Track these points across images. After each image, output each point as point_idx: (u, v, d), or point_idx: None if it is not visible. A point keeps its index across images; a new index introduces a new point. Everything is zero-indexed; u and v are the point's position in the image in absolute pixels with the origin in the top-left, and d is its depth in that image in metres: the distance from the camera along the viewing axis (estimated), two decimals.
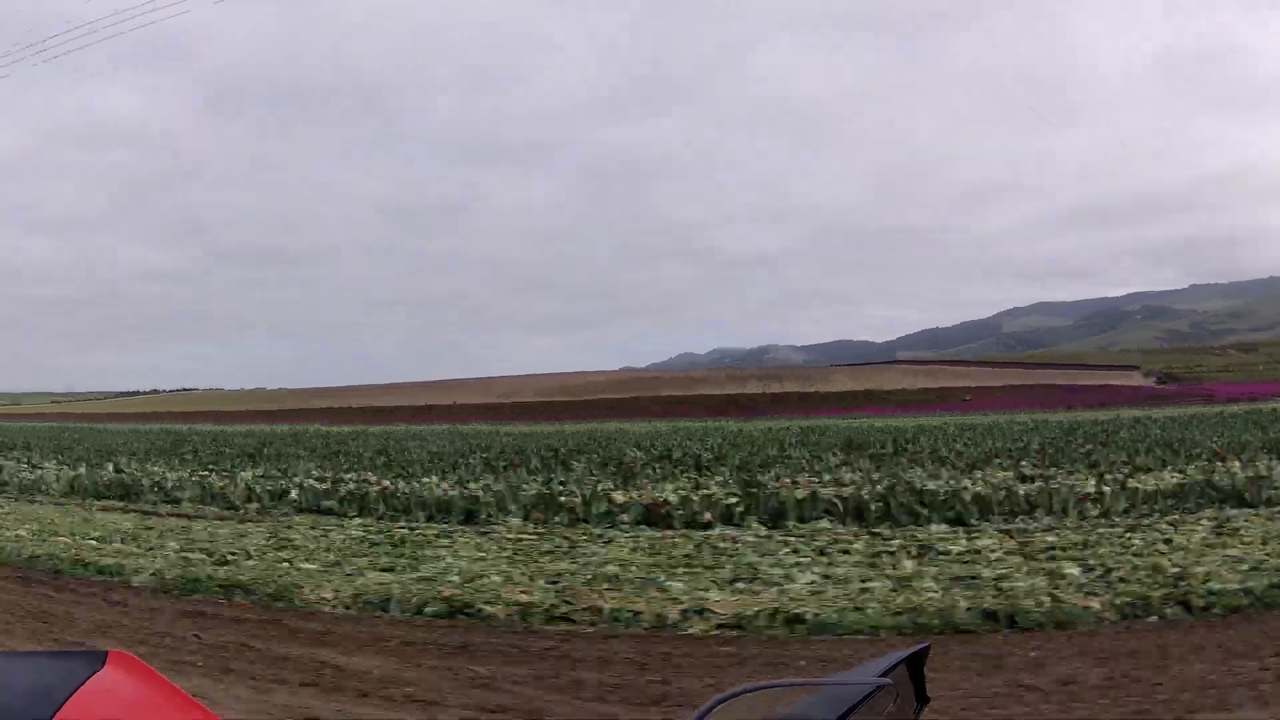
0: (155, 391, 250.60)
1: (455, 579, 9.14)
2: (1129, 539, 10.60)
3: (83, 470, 23.29)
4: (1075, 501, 13.17)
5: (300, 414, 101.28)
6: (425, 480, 19.30)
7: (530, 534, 12.46)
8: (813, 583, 8.66)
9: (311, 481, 19.40)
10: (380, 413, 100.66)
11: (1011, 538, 10.99)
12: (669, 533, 12.11)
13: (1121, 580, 8.27)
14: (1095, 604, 7.46)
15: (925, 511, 12.91)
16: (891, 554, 10.15)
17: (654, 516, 13.02)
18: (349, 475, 21.20)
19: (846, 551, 10.38)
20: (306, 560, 10.48)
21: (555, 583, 8.87)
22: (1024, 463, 20.79)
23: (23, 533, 12.76)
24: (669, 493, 15.89)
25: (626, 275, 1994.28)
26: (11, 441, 40.18)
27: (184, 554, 10.91)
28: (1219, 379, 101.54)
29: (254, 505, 16.31)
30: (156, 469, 24.20)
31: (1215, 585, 7.81)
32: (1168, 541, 10.27)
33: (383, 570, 9.80)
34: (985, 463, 20.93)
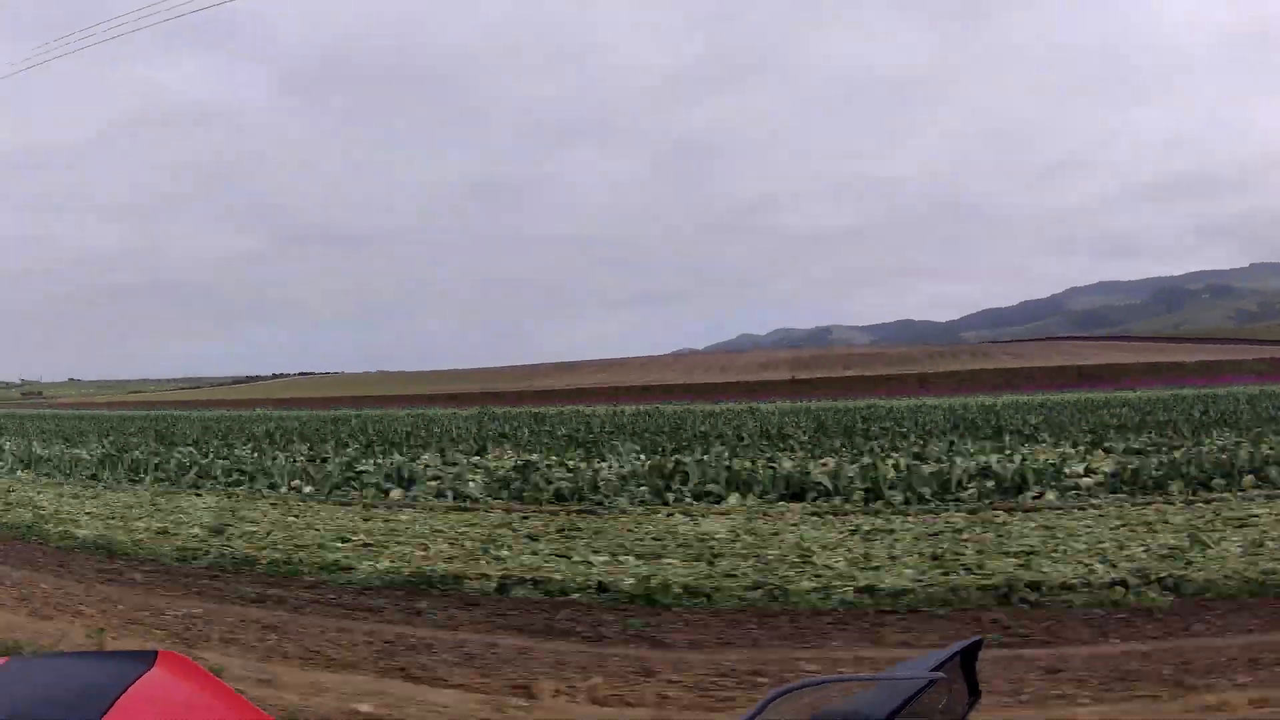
0: (279, 375, 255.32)
1: None
2: None
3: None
4: None
5: (458, 399, 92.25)
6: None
7: None
8: None
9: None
10: (570, 394, 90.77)
11: None
12: None
13: None
14: None
15: None
16: None
17: None
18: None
19: None
20: None
21: None
22: None
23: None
24: None
25: (686, 255, 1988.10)
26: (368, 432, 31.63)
27: None
28: None
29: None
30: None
31: None
32: None
33: None
34: None
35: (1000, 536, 9.65)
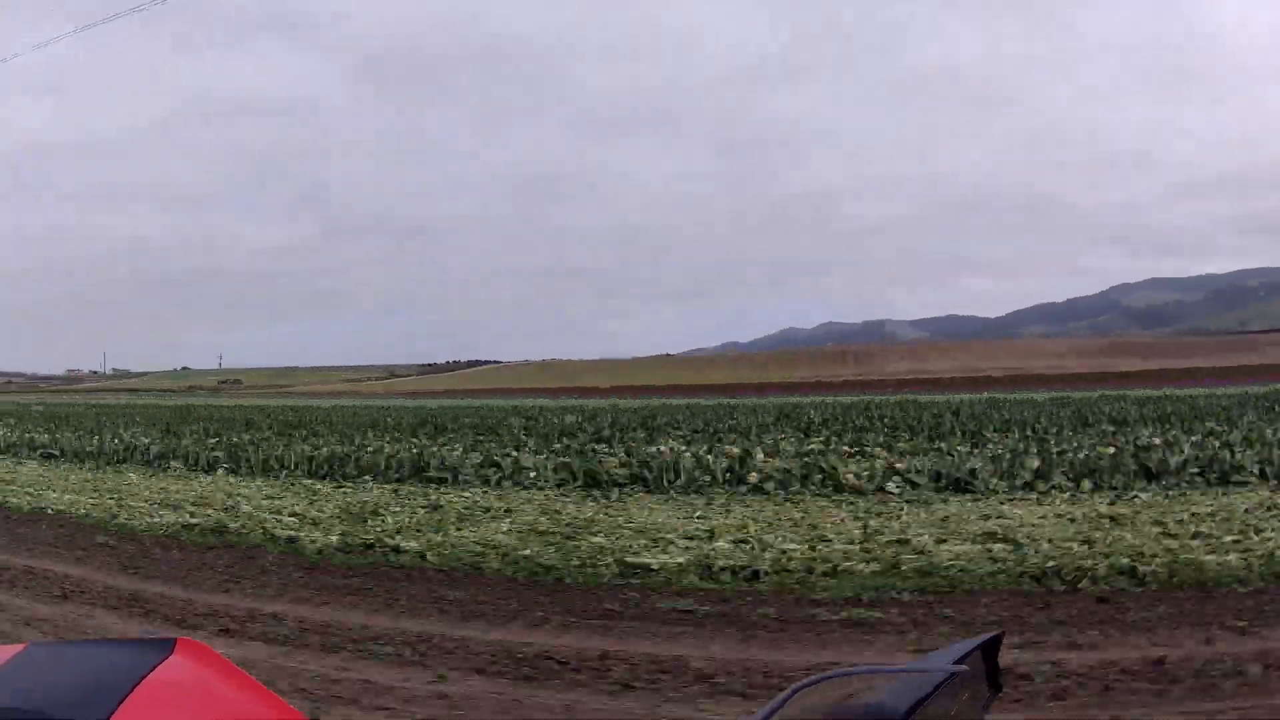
0: (451, 366, 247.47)
1: None
2: None
3: None
4: None
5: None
6: None
7: None
8: None
9: None
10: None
11: None
12: None
13: None
14: None
15: None
16: None
17: None
18: None
19: None
20: None
21: None
22: None
23: None
24: None
25: (727, 248, 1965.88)
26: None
27: None
28: None
29: None
30: None
31: None
32: None
33: None
34: None
35: None
